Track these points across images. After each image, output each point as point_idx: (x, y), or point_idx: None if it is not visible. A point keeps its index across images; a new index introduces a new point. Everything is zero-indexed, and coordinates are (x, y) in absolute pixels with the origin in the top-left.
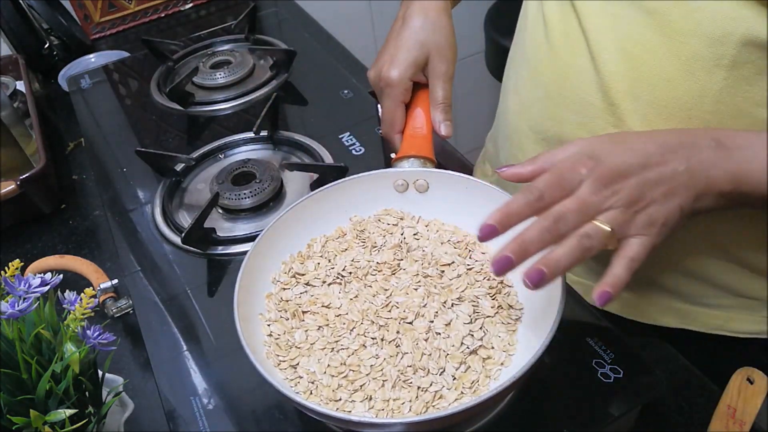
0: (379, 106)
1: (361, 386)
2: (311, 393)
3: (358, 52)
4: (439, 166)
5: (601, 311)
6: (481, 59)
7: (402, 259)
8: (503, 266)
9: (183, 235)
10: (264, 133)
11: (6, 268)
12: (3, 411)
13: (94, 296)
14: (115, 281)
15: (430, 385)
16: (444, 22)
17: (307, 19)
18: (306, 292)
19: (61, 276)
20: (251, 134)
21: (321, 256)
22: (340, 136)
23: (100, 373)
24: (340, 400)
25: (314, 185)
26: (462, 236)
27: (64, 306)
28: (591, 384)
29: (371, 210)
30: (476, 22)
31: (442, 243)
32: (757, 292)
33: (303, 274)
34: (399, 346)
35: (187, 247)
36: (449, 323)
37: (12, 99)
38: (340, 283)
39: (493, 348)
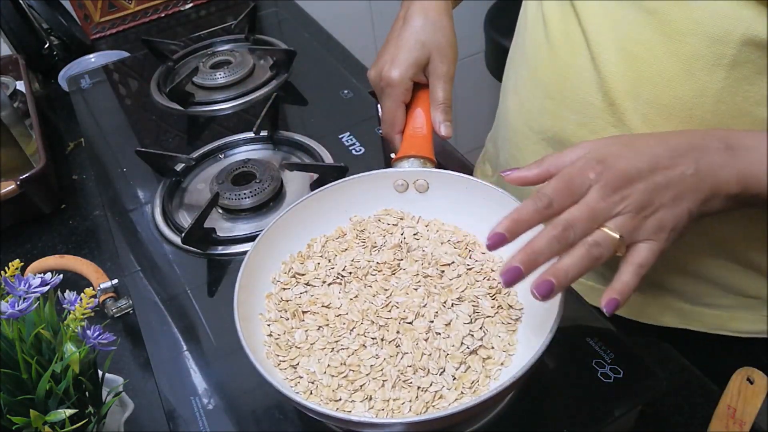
0: (379, 106)
1: (361, 386)
2: (311, 393)
3: (358, 52)
4: (439, 166)
5: (601, 311)
6: (481, 59)
7: (402, 259)
8: (512, 277)
9: (183, 235)
10: (264, 133)
11: (6, 268)
12: (3, 411)
13: (94, 296)
14: (115, 281)
15: (430, 385)
16: (445, 23)
17: (307, 19)
18: (306, 292)
19: (61, 276)
20: (251, 134)
21: (321, 256)
22: (340, 136)
23: (100, 373)
24: (340, 400)
25: (314, 185)
26: (462, 236)
27: (64, 306)
28: (591, 384)
29: (371, 210)
30: (476, 22)
31: (442, 243)
32: (757, 291)
33: (303, 274)
34: (399, 346)
35: (187, 247)
36: (449, 323)
37: (12, 99)
38: (340, 283)
39: (493, 348)
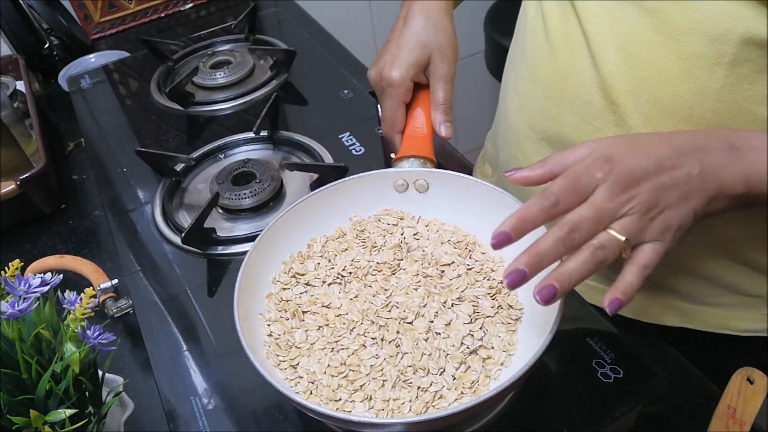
0: (379, 106)
1: (361, 386)
2: (311, 393)
3: (358, 52)
4: (439, 166)
5: (601, 311)
6: (481, 59)
7: (402, 259)
8: (516, 279)
9: (183, 235)
10: (264, 133)
11: (6, 268)
12: (3, 411)
13: (94, 296)
14: (115, 281)
15: (430, 385)
16: (445, 23)
17: (307, 19)
18: (306, 292)
19: (61, 276)
20: (251, 134)
21: (321, 256)
22: (340, 136)
23: (100, 373)
24: (340, 400)
25: (314, 185)
26: (462, 236)
27: (64, 306)
28: (591, 384)
29: (371, 210)
30: (476, 22)
31: (442, 243)
32: (758, 290)
33: (303, 274)
34: (399, 346)
35: (187, 247)
36: (449, 323)
37: (12, 99)
38: (340, 283)
39: (493, 348)
